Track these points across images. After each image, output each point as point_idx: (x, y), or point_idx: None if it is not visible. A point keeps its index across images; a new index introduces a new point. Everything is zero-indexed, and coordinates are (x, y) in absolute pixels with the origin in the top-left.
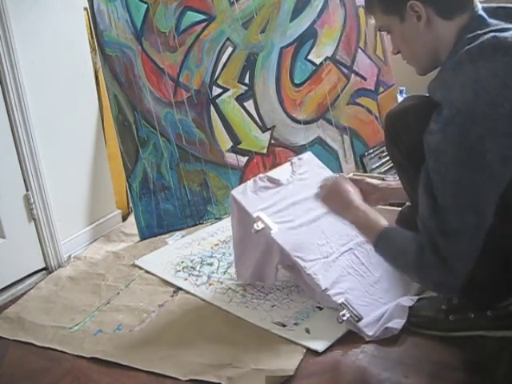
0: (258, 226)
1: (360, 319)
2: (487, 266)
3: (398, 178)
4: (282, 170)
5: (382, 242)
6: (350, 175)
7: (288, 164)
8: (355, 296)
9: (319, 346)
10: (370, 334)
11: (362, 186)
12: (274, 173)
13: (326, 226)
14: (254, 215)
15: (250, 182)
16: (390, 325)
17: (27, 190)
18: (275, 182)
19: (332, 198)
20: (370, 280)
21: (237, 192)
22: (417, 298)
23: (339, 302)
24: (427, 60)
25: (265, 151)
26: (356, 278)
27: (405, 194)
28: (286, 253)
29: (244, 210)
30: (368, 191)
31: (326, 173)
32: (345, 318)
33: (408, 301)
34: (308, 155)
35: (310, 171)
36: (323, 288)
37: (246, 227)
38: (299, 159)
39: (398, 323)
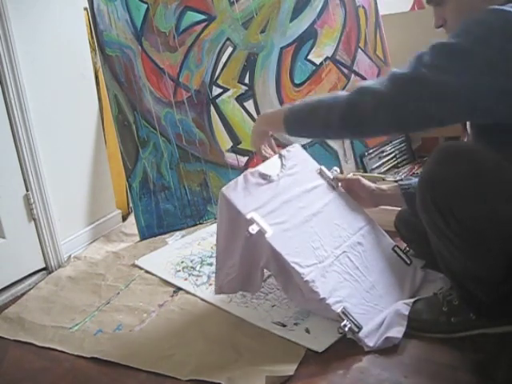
0: (253, 229)
1: (360, 329)
2: None
3: (397, 178)
4: (271, 164)
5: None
6: (350, 175)
7: (277, 157)
8: (353, 304)
9: (319, 346)
10: (371, 344)
11: (356, 187)
12: (264, 167)
13: (319, 226)
14: (248, 216)
15: (240, 179)
16: (390, 334)
17: (27, 190)
18: (266, 178)
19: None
20: (365, 286)
21: (227, 190)
22: (412, 301)
23: (338, 311)
24: None
25: None
26: (352, 284)
27: (396, 201)
28: (282, 258)
29: (236, 210)
30: (361, 193)
31: (312, 166)
32: (346, 329)
33: (405, 307)
34: (296, 147)
35: (298, 165)
36: (322, 297)
37: (235, 228)
38: (288, 151)
39: (398, 332)
